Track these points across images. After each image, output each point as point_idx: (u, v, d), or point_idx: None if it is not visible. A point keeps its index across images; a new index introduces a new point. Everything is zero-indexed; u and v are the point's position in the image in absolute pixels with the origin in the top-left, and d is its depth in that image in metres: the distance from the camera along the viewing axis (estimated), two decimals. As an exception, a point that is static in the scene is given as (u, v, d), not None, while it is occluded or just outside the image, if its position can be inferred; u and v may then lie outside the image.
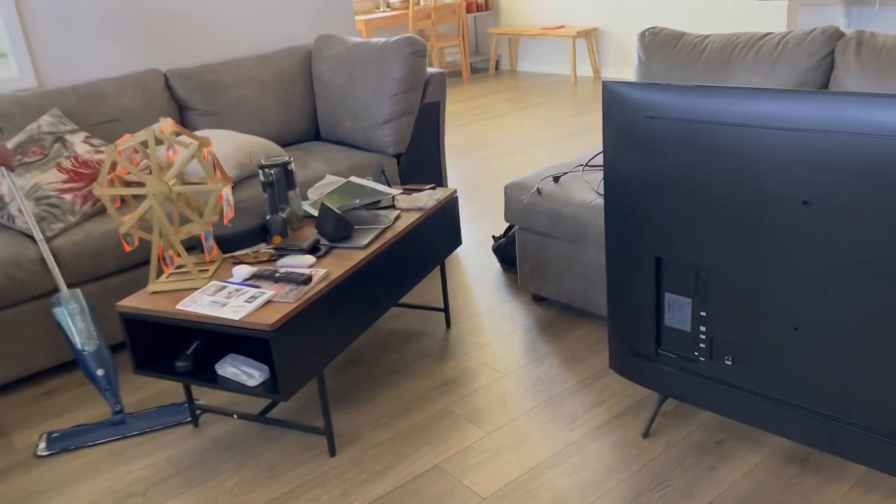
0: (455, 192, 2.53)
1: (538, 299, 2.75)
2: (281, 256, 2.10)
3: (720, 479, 1.80)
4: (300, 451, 2.02)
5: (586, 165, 2.64)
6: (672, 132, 1.71)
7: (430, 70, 3.29)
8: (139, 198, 2.65)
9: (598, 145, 4.67)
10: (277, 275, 1.94)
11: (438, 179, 3.41)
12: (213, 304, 1.84)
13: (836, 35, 2.39)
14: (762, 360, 1.72)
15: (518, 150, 4.73)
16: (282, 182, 2.24)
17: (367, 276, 2.08)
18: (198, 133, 2.98)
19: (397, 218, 2.32)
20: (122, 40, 3.28)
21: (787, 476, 1.79)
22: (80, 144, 2.65)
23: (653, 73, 2.72)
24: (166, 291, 1.94)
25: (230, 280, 1.96)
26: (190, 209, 1.99)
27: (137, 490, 1.93)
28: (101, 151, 2.66)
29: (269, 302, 1.83)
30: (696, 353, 1.85)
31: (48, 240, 2.44)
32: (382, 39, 3.20)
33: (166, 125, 1.91)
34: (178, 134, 1.95)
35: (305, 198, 2.80)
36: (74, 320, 2.08)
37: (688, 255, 1.77)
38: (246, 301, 1.83)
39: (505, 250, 3.00)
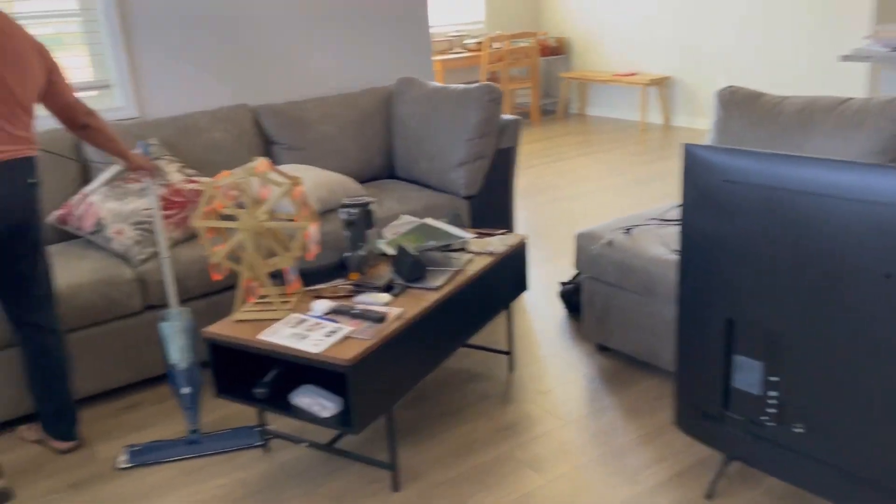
0: (525, 238, 2.59)
1: (602, 349, 2.77)
2: (358, 293, 2.19)
3: (785, 547, 1.78)
4: (365, 484, 2.08)
5: (660, 220, 2.66)
6: (749, 197, 1.73)
7: (506, 117, 3.38)
8: (231, 230, 2.79)
9: (667, 194, 4.67)
10: (355, 311, 2.02)
11: (507, 223, 3.48)
12: (294, 335, 1.93)
13: (921, 103, 2.37)
14: (834, 429, 1.71)
15: (584, 195, 4.77)
16: (362, 221, 2.34)
17: (438, 317, 2.15)
18: (282, 168, 3.13)
19: (469, 261, 2.39)
20: (218, 76, 3.48)
21: (856, 551, 1.76)
22: (174, 174, 2.82)
23: (730, 130, 2.74)
24: (250, 320, 2.05)
25: (310, 313, 2.06)
26: (277, 243, 2.10)
27: (210, 509, 2.02)
28: (194, 181, 2.83)
29: (346, 337, 1.92)
30: (764, 418, 1.85)
31: (141, 262, 2.59)
32: (462, 85, 3.31)
33: (261, 164, 2.03)
34: (270, 172, 2.07)
35: (381, 236, 2.90)
36: (176, 337, 2.20)
37: (761, 318, 1.78)
38: (325, 335, 1.92)
39: (571, 296, 3.03)
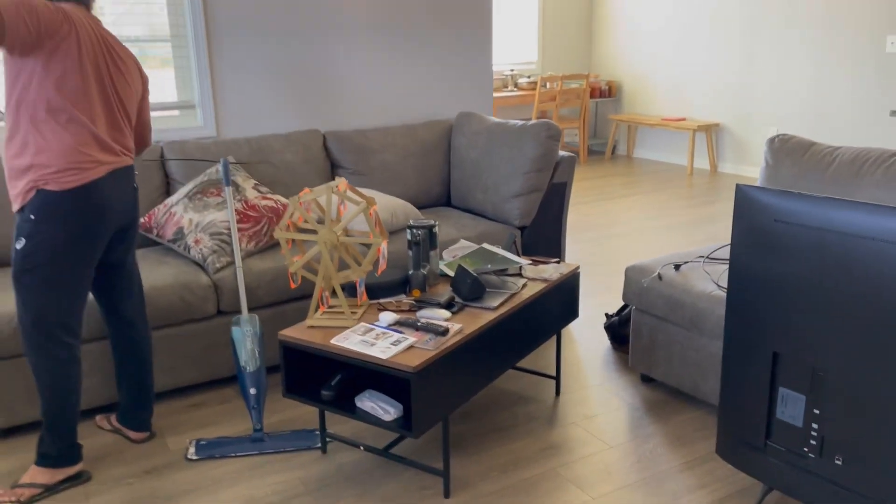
0: (577, 268, 2.72)
1: (647, 380, 2.86)
2: (420, 308, 2.34)
3: (821, 575, 1.84)
4: (417, 489, 2.21)
5: (708, 257, 2.77)
6: (799, 237, 1.84)
7: (561, 153, 3.53)
8: (306, 242, 2.98)
9: (712, 238, 4.75)
10: (418, 324, 2.17)
11: (558, 253, 3.61)
12: (363, 342, 2.08)
13: (969, 159, 2.46)
14: (874, 464, 1.78)
15: (630, 233, 4.88)
16: (426, 242, 2.49)
17: (494, 335, 2.28)
18: (347, 190, 3.32)
19: (524, 286, 2.52)
20: (291, 102, 3.71)
21: (891, 584, 1.82)
22: (250, 190, 3.03)
23: (780, 178, 2.84)
24: (321, 326, 2.21)
25: (377, 323, 2.21)
26: (349, 257, 2.26)
27: (273, 502, 2.16)
28: (268, 198, 3.02)
29: (411, 347, 2.06)
30: (805, 449, 1.93)
31: (217, 270, 2.78)
32: (521, 122, 3.48)
33: (341, 183, 2.21)
34: (348, 192, 2.25)
35: (441, 258, 3.05)
36: (246, 341, 2.37)
37: (806, 354, 1.87)
38: (392, 344, 2.06)
39: (617, 328, 3.14)
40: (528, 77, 7.52)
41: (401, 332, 2.14)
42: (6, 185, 2.77)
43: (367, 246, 3.01)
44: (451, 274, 2.58)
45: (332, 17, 3.74)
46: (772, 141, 2.93)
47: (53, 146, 2.01)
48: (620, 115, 7.72)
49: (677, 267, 2.69)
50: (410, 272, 2.46)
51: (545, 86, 7.18)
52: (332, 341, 2.10)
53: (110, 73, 2.13)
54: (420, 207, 3.73)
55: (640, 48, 7.54)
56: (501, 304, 2.36)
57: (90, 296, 2.52)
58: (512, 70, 7.58)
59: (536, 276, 2.61)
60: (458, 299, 2.39)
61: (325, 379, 2.31)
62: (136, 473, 2.32)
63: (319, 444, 2.43)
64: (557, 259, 2.82)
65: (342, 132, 3.59)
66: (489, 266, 2.61)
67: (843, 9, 5.72)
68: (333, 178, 3.58)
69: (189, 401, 2.77)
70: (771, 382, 1.97)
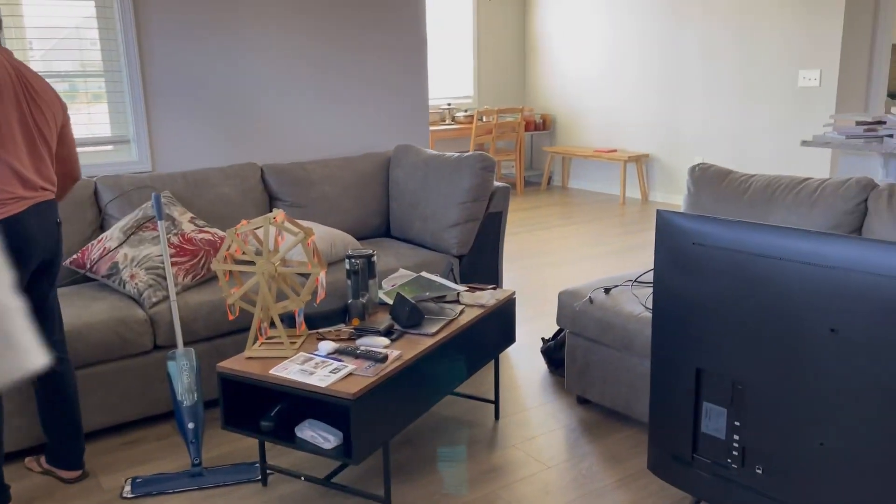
0: (513, 293, 2.80)
1: (582, 401, 2.95)
2: (359, 336, 2.37)
3: (747, 581, 1.93)
4: (359, 517, 2.22)
5: (636, 281, 2.89)
6: (716, 259, 1.96)
7: (496, 184, 3.64)
8: (244, 274, 2.98)
9: (643, 264, 4.93)
10: (358, 352, 2.20)
11: (495, 281, 3.69)
12: (302, 371, 2.10)
13: (869, 185, 2.65)
14: (789, 471, 1.89)
15: (565, 262, 5.02)
16: (364, 271, 2.54)
17: (432, 361, 2.33)
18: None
19: (462, 312, 2.59)
20: (227, 135, 3.72)
21: (811, 585, 1.92)
22: (186, 223, 3.02)
23: (700, 204, 3.00)
24: (260, 357, 2.22)
25: (316, 353, 2.23)
26: (287, 287, 2.29)
27: (212, 535, 2.14)
28: (205, 231, 3.02)
29: (350, 374, 2.09)
30: (728, 461, 2.03)
31: (153, 305, 2.76)
32: (457, 154, 3.58)
33: (279, 215, 2.24)
34: (286, 223, 2.28)
35: (381, 287, 3.10)
36: (182, 375, 2.35)
37: (725, 369, 1.98)
38: (331, 372, 2.09)
39: (553, 352, 3.23)
40: (465, 111, 7.70)
41: (340, 361, 2.17)
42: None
43: (306, 276, 3.03)
44: (390, 302, 2.62)
45: (269, 52, 3.79)
46: (693, 170, 3.09)
47: None
48: (555, 147, 7.95)
49: (607, 291, 2.80)
50: (349, 301, 2.49)
51: (481, 119, 7.36)
52: (271, 371, 2.11)
53: (29, 106, 2.13)
54: (359, 238, 3.77)
55: (572, 82, 7.81)
56: (440, 331, 2.42)
57: None
58: (449, 104, 7.74)
59: (473, 302, 2.68)
60: (397, 326, 2.44)
61: (265, 410, 2.31)
62: (69, 514, 2.26)
63: (259, 477, 2.42)
64: (494, 286, 2.90)
65: (280, 165, 3.62)
66: (427, 294, 2.67)
67: (759, 46, 6.08)
68: (271, 211, 3.59)
69: (125, 438, 2.71)
70: (695, 398, 2.08)
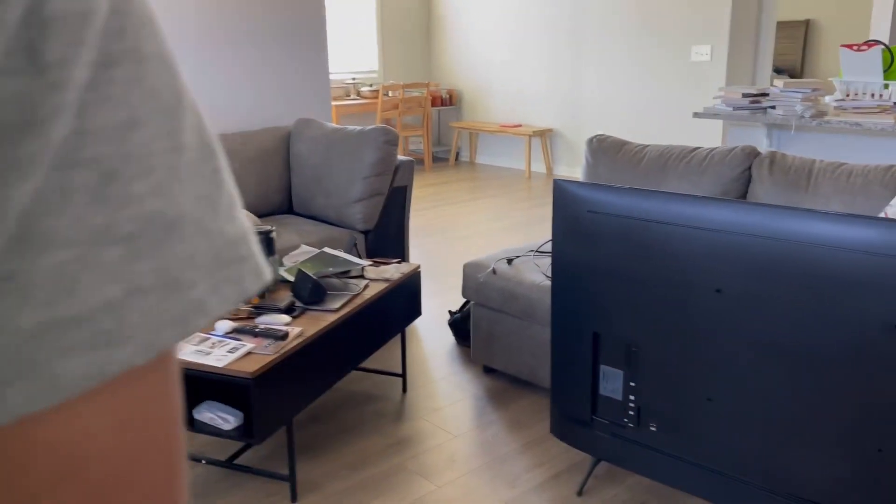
0: (418, 267, 2.80)
1: (488, 370, 2.99)
2: (259, 315, 2.31)
3: (644, 533, 2.02)
4: (263, 497, 2.18)
5: (537, 251, 2.94)
6: (610, 226, 2.02)
7: (400, 158, 3.61)
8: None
9: (548, 235, 5.03)
10: (257, 330, 2.15)
11: (402, 256, 3.68)
12: (198, 352, 2.03)
13: (753, 153, 2.79)
14: (681, 427, 1.98)
15: (473, 236, 5.06)
16: (263, 248, 2.46)
17: (336, 337, 2.30)
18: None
19: (366, 287, 2.56)
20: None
21: (702, 533, 2.03)
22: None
23: (598, 174, 3.08)
24: (153, 340, 2.12)
25: (212, 332, 2.16)
26: (181, 266, 2.20)
27: (107, 526, 2.05)
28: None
29: (249, 353, 2.03)
30: (625, 420, 2.10)
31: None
32: (359, 127, 3.52)
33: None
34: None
35: (281, 264, 3.02)
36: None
37: (621, 331, 2.05)
38: (228, 351, 2.03)
39: (460, 324, 3.25)
40: (371, 86, 7.60)
41: (238, 340, 2.11)
42: None
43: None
44: (291, 279, 2.57)
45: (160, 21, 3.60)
46: (590, 141, 3.16)
47: None
48: (461, 122, 7.98)
49: (510, 261, 2.83)
50: (248, 279, 2.42)
51: (387, 94, 7.28)
52: (165, 353, 2.02)
53: None
54: (260, 216, 3.67)
55: (477, 58, 7.84)
56: (343, 306, 2.38)
57: None
58: (354, 78, 7.62)
59: (378, 276, 2.65)
60: (298, 304, 2.39)
61: (161, 394, 2.22)
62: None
63: (158, 463, 2.33)
64: (399, 259, 2.89)
65: (174, 141, 3.46)
66: (330, 269, 2.63)
67: (654, 21, 6.26)
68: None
69: None
70: (593, 361, 2.14)
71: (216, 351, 2.03)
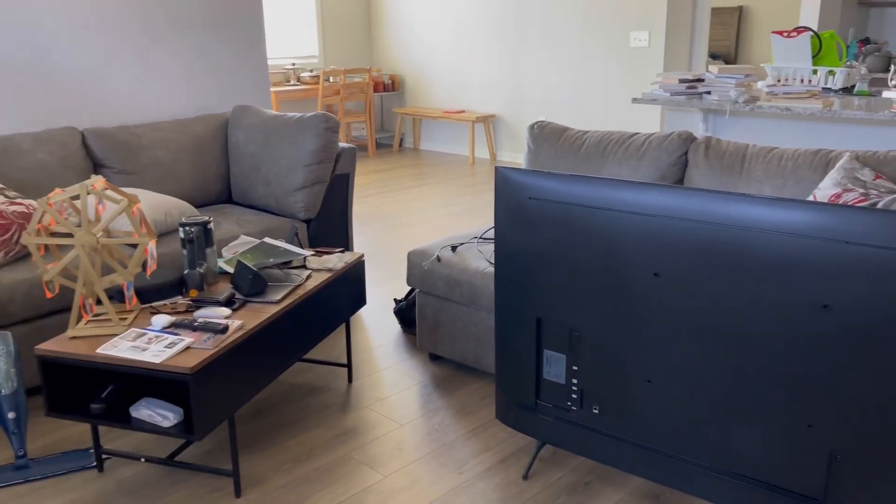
0: (362, 256, 2.77)
1: (434, 358, 2.99)
2: (198, 308, 2.25)
3: (588, 513, 2.06)
4: (206, 493, 2.13)
5: (481, 238, 2.95)
6: (550, 212, 2.03)
7: (341, 145, 3.56)
8: (63, 247, 2.72)
9: (492, 221, 5.05)
10: (196, 324, 2.09)
11: (346, 244, 3.64)
12: (134, 348, 1.97)
13: (689, 139, 2.84)
14: (622, 408, 2.02)
15: (418, 223, 5.04)
16: (200, 239, 2.40)
17: (278, 329, 2.26)
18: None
19: (308, 277, 2.52)
20: (40, 97, 3.37)
21: (644, 511, 2.07)
22: (-5, 195, 2.72)
23: (540, 160, 3.10)
24: (86, 337, 2.05)
25: (149, 328, 2.09)
26: (114, 260, 2.12)
27: (41, 531, 1.98)
28: (18, 202, 2.74)
29: (188, 348, 1.98)
30: (568, 403, 2.13)
31: (-43, 286, 2.47)
32: (298, 114, 3.46)
33: (98, 182, 2.06)
34: (107, 190, 2.10)
35: (220, 255, 2.95)
36: (-4, 361, 2.13)
37: (563, 316, 2.07)
38: (166, 347, 1.97)
39: (405, 312, 3.24)
40: (311, 71, 7.47)
41: (176, 335, 2.05)
42: None
43: (135, 247, 2.84)
44: (231, 271, 2.51)
45: (88, 7, 3.45)
46: (532, 127, 3.18)
47: None
48: (404, 108, 7.92)
49: (454, 248, 2.83)
50: (185, 272, 2.36)
51: (328, 80, 7.18)
52: (99, 350, 1.96)
53: None
54: (199, 206, 3.57)
55: (418, 43, 7.78)
56: (285, 297, 2.34)
57: None
58: (294, 64, 7.48)
59: (321, 266, 2.62)
60: (238, 296, 2.34)
61: (96, 393, 2.15)
62: None
63: (94, 463, 2.26)
64: (342, 249, 2.85)
65: (104, 129, 3.34)
66: (271, 260, 2.58)
67: (595, 7, 6.32)
68: (98, 179, 3.31)
69: (-67, 436, 2.44)
70: (537, 346, 2.16)
71: (153, 346, 1.97)
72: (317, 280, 2.50)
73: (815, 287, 1.64)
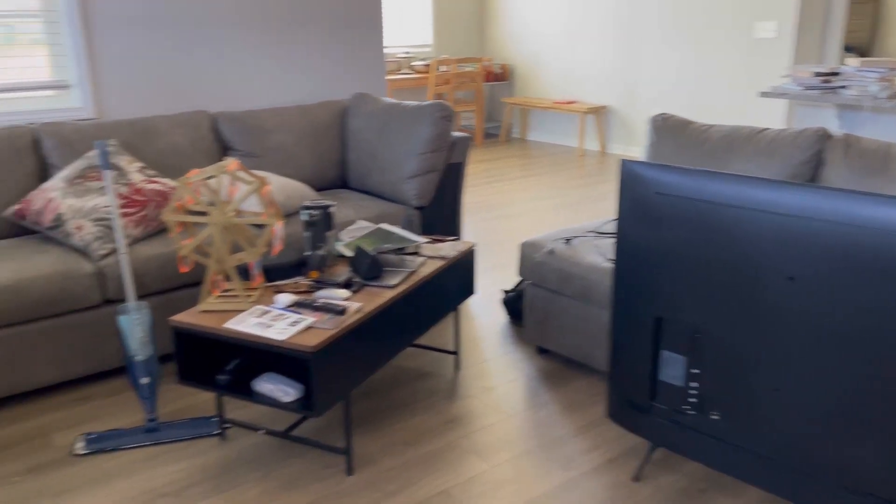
0: (474, 245, 2.77)
1: (542, 351, 2.97)
2: (318, 289, 2.32)
3: (702, 522, 1.99)
4: (320, 468, 2.20)
5: (597, 232, 2.89)
6: (678, 208, 1.96)
7: (456, 134, 3.57)
8: (197, 225, 2.88)
9: (602, 215, 4.95)
10: (316, 304, 2.16)
11: (455, 233, 3.66)
12: (259, 324, 2.05)
13: (824, 136, 2.68)
14: (745, 416, 1.93)
15: (525, 213, 5.01)
16: (322, 223, 2.47)
17: (393, 313, 2.30)
18: (240, 172, 3.23)
19: (422, 264, 2.55)
20: (177, 82, 3.57)
21: (762, 524, 1.98)
22: (135, 174, 2.90)
23: (661, 153, 3.00)
24: (215, 311, 2.16)
25: (273, 306, 2.18)
26: (243, 239, 2.22)
27: (170, 491, 2.10)
28: (155, 181, 2.91)
29: (309, 327, 2.05)
30: (686, 407, 2.06)
31: (101, 258, 2.65)
32: (415, 102, 3.49)
33: (232, 163, 2.15)
34: (240, 171, 2.20)
35: (339, 239, 3.04)
36: (135, 330, 2.27)
37: (685, 317, 2.00)
38: (289, 325, 2.04)
39: (513, 303, 3.23)
40: (423, 60, 7.54)
41: (299, 314, 2.13)
42: None
43: (262, 227, 2.96)
44: (350, 254, 2.57)
45: (223, 7, 3.62)
46: (655, 119, 3.08)
47: None
48: (514, 98, 7.88)
49: (568, 241, 2.79)
50: (307, 253, 2.43)
51: (440, 69, 7.22)
52: (227, 325, 2.05)
53: None
54: (317, 189, 3.68)
55: (531, 32, 7.70)
56: (400, 283, 2.38)
57: None
58: (407, 53, 7.57)
59: (434, 253, 2.64)
60: (356, 279, 2.39)
61: (222, 365, 2.26)
62: (20, 472, 2.19)
63: (218, 431, 2.38)
64: (455, 237, 2.87)
65: (233, 113, 3.49)
66: (387, 245, 2.63)
67: (717, -3, 6.06)
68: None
69: (76, 394, 2.64)
70: (654, 346, 2.09)
71: (277, 324, 2.05)
72: (430, 267, 2.53)
73: (977, 301, 1.50)
